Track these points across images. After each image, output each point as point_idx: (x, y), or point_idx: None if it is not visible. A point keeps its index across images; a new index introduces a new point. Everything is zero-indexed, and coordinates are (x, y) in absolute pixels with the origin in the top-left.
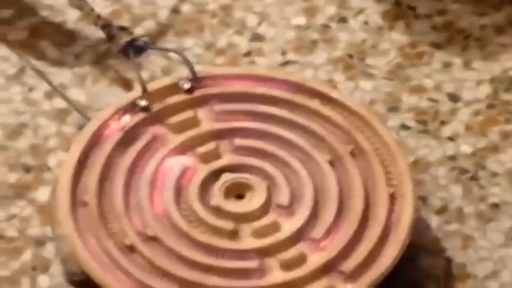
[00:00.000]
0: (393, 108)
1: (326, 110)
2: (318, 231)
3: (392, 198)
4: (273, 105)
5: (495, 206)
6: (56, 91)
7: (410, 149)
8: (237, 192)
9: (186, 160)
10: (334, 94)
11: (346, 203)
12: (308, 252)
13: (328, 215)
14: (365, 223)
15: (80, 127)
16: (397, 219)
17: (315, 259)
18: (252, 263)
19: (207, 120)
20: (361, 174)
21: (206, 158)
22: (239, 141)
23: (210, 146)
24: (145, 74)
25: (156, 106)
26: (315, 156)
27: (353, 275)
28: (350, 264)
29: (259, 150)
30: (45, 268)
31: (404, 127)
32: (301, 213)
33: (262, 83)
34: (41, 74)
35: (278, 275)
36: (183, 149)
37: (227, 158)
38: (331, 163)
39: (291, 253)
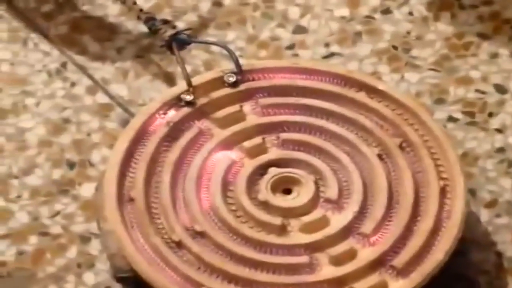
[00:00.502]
0: (440, 100)
1: (373, 103)
2: (368, 226)
3: (443, 191)
4: (318, 98)
5: None
6: (98, 86)
7: (458, 142)
8: (285, 186)
9: (232, 154)
10: (381, 86)
11: (396, 197)
12: (358, 247)
13: (377, 209)
14: (416, 217)
15: (123, 123)
16: (449, 213)
17: (366, 254)
18: (301, 259)
19: (252, 114)
20: (410, 167)
21: (252, 153)
22: (285, 135)
23: (256, 140)
24: (188, 69)
25: (201, 101)
26: (363, 149)
27: (404, 270)
28: (401, 259)
29: (306, 144)
30: (90, 265)
31: (451, 119)
32: (350, 207)
33: (306, 75)
34: (83, 69)
35: (328, 271)
36: (229, 143)
37: (274, 153)
38: (380, 157)
39: (340, 248)
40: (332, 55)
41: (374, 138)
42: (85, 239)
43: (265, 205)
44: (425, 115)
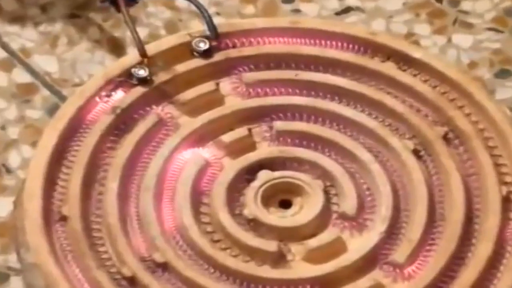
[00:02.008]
0: (504, 73)
1: (405, 77)
2: (400, 253)
3: (507, 201)
4: (328, 72)
5: None
6: (15, 58)
7: None
8: (282, 197)
9: (206, 153)
10: (417, 53)
11: (439, 211)
12: (387, 282)
13: (414, 229)
14: (469, 240)
15: (52, 110)
16: None
17: None
18: None
19: (234, 95)
20: (459, 168)
21: (234, 150)
22: (280, 125)
23: (239, 132)
24: (142, 32)
25: (161, 77)
26: (393, 143)
27: None
28: None
29: (310, 137)
30: None
31: None
32: (375, 226)
33: (311, 40)
34: None
35: None
36: (202, 137)
37: (265, 149)
38: (416, 153)
39: (363, 284)
40: (348, 10)
41: (407, 127)
42: (1, 276)
43: (255, 225)
44: (480, 94)
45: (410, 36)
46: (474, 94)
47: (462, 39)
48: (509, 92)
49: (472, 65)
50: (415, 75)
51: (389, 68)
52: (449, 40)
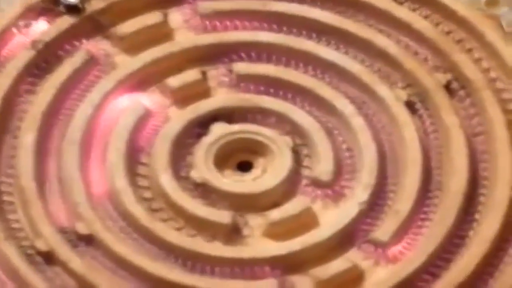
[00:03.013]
0: None
1: (402, 11)
2: (384, 229)
3: None
4: (305, 2)
5: None
6: None
7: None
8: (240, 158)
9: (147, 100)
10: None
11: (436, 178)
12: (367, 266)
13: (403, 199)
14: (471, 214)
15: None
16: None
17: (380, 278)
18: (266, 285)
19: (185, 29)
20: (464, 124)
21: (183, 97)
22: (242, 67)
23: (190, 75)
24: None
25: (95, 5)
26: (381, 93)
27: None
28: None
29: (279, 83)
30: None
31: None
32: (355, 195)
33: None
34: None
35: None
36: (143, 80)
37: (221, 97)
38: (411, 106)
39: (336, 267)
40: None
41: (401, 73)
42: None
43: (204, 190)
44: (494, 34)
45: None
46: (486, 35)
47: None
48: None
49: (492, 1)
50: (414, 10)
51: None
52: None
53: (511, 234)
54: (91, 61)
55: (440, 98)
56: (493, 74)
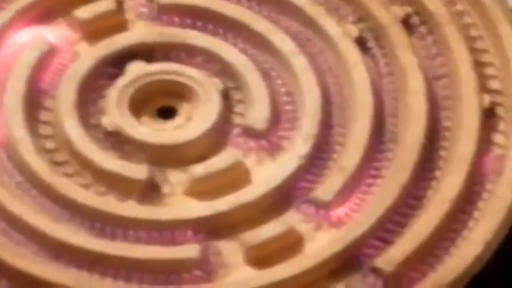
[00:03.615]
0: None
1: None
2: (327, 187)
3: (490, 116)
4: None
5: None
6: None
7: None
8: (161, 102)
9: (52, 34)
10: None
11: (389, 128)
12: (307, 230)
13: (349, 153)
14: (430, 171)
15: None
16: (499, 163)
17: (321, 244)
18: (187, 251)
19: None
20: (424, 65)
21: (95, 31)
22: None
23: (103, 5)
24: None
25: None
26: (328, 28)
27: (399, 277)
28: (394, 256)
29: (208, 16)
30: None
31: None
32: (294, 147)
33: None
34: None
35: (243, 276)
36: (47, 11)
37: (139, 31)
38: (362, 43)
39: (269, 231)
40: None
41: (351, 5)
42: None
43: (117, 140)
44: None
45: None
46: None
47: None
48: None
49: None
50: None
51: None
52: None
53: (476, 194)
54: None
55: (397, 35)
56: (459, 7)
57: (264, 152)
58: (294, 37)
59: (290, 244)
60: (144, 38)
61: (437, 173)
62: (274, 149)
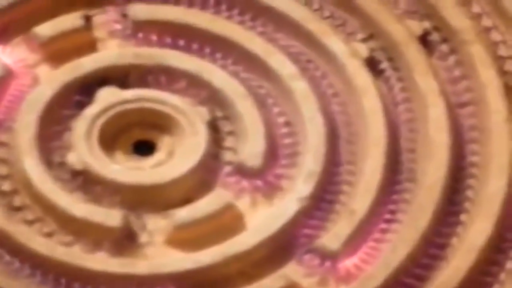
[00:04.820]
0: None
1: None
2: (334, 234)
3: None
4: None
5: None
6: None
7: None
8: (137, 136)
9: (8, 55)
10: None
11: (407, 165)
12: (310, 285)
13: (360, 194)
14: (455, 215)
15: None
16: None
17: None
18: None
19: None
20: (447, 89)
21: (59, 52)
22: (141, 10)
23: (68, 21)
24: None
25: None
26: (333, 47)
27: None
28: None
29: (193, 33)
30: None
31: None
32: (294, 188)
33: None
34: None
35: None
36: (2, 29)
37: (112, 52)
38: (374, 65)
39: (267, 286)
40: None
41: (361, 19)
42: None
43: (86, 181)
44: None
45: None
46: None
47: None
48: None
49: None
50: None
51: None
52: None
53: (508, 242)
54: None
55: (414, 55)
56: (486, 22)
57: (259, 193)
58: (294, 58)
59: None
60: (117, 60)
61: (463, 217)
62: (271, 190)
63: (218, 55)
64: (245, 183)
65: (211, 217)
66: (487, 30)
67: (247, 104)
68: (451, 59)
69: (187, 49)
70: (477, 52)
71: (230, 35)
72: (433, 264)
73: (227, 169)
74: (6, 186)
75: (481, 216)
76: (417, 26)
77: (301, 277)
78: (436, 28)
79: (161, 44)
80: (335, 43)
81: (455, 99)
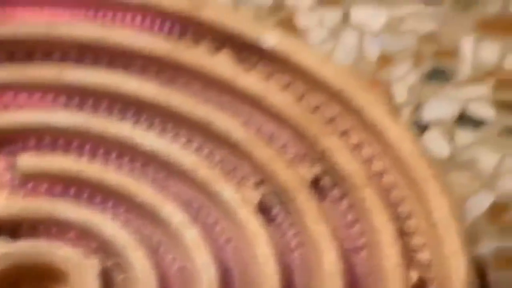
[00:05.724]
0: (437, 74)
1: (250, 80)
2: None
3: None
4: (118, 67)
5: None
6: None
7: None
8: None
9: None
10: (271, 39)
11: None
12: None
13: None
14: None
15: None
16: None
17: None
18: None
19: None
20: (340, 234)
21: None
22: (29, 161)
23: None
24: None
25: None
26: (224, 194)
27: None
28: None
29: (82, 182)
30: None
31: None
32: None
33: (89, 10)
34: None
35: None
36: None
37: (0, 203)
38: (265, 211)
39: None
40: None
41: (251, 165)
42: None
43: None
44: (376, 108)
45: (278, 9)
46: (365, 110)
47: (369, 15)
48: (445, 109)
49: (386, 60)
50: (268, 76)
51: (222, 64)
52: (347, 15)
53: None
54: None
55: (305, 200)
56: (378, 165)
57: None
58: (186, 205)
59: None
60: (4, 212)
61: None
62: None
63: (109, 204)
64: None
65: None
66: (379, 174)
67: (137, 254)
68: (344, 204)
69: (78, 197)
70: (369, 196)
71: (119, 183)
72: None
73: None
74: None
75: None
76: (307, 171)
77: None
78: (327, 173)
79: (51, 193)
80: (225, 189)
81: (349, 244)
